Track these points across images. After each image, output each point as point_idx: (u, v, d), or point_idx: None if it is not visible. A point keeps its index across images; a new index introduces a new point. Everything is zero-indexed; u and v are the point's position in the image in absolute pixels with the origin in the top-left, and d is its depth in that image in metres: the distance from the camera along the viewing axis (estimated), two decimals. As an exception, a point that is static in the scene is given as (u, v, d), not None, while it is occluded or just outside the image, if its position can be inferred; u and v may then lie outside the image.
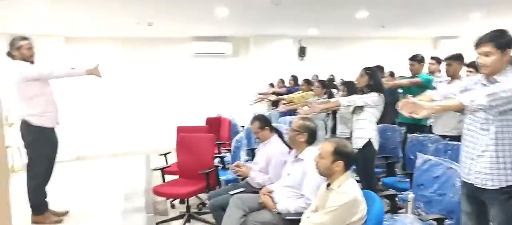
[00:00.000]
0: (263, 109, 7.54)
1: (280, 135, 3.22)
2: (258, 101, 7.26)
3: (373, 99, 3.25)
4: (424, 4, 5.37)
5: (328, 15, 6.18)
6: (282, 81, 7.30)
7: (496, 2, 5.29)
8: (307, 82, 5.18)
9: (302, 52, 8.77)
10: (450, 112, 3.63)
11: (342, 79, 5.72)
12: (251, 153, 4.81)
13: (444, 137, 3.56)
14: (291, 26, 7.33)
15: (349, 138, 3.98)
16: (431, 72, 4.78)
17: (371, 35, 8.97)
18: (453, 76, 3.65)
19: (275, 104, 7.28)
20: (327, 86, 4.71)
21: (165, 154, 4.69)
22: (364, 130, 3.31)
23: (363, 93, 3.39)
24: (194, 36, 7.99)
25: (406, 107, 1.91)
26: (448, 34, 9.24)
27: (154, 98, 8.08)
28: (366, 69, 3.38)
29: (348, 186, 1.98)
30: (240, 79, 8.40)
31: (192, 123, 6.70)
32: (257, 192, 2.91)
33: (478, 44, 1.97)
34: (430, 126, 4.38)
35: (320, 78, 7.20)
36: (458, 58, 3.60)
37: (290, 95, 5.19)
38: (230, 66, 8.43)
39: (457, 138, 3.60)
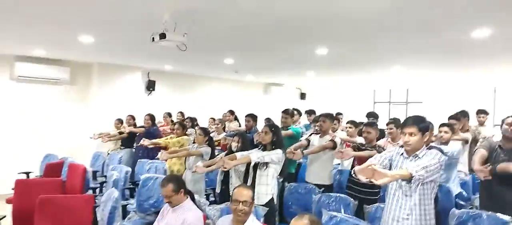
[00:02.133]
0: (109, 147, 6.58)
1: (193, 198, 2.90)
2: (101, 137, 6.27)
3: (278, 156, 3.36)
4: (278, 56, 6.02)
5: (202, 57, 6.06)
6: (132, 117, 6.57)
7: (327, 64, 6.52)
8: (182, 125, 4.88)
9: (150, 86, 8.23)
10: (323, 162, 4.18)
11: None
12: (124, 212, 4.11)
13: (318, 186, 4.02)
14: (146, 60, 6.82)
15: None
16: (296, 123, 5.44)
17: (222, 77, 9.37)
18: (325, 131, 4.22)
19: (125, 143, 6.49)
20: (208, 133, 4.56)
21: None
22: (268, 186, 3.36)
23: (265, 148, 3.47)
24: (17, 55, 6.31)
25: (364, 172, 2.05)
26: (276, 82, 10.70)
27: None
28: (270, 126, 3.49)
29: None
30: (78, 111, 7.09)
31: (15, 167, 5.31)
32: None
33: (404, 125, 2.40)
34: (295, 174, 4.90)
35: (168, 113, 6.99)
36: (331, 117, 4.22)
37: (164, 140, 4.75)
38: (66, 96, 7.01)
39: (329, 187, 4.19)
